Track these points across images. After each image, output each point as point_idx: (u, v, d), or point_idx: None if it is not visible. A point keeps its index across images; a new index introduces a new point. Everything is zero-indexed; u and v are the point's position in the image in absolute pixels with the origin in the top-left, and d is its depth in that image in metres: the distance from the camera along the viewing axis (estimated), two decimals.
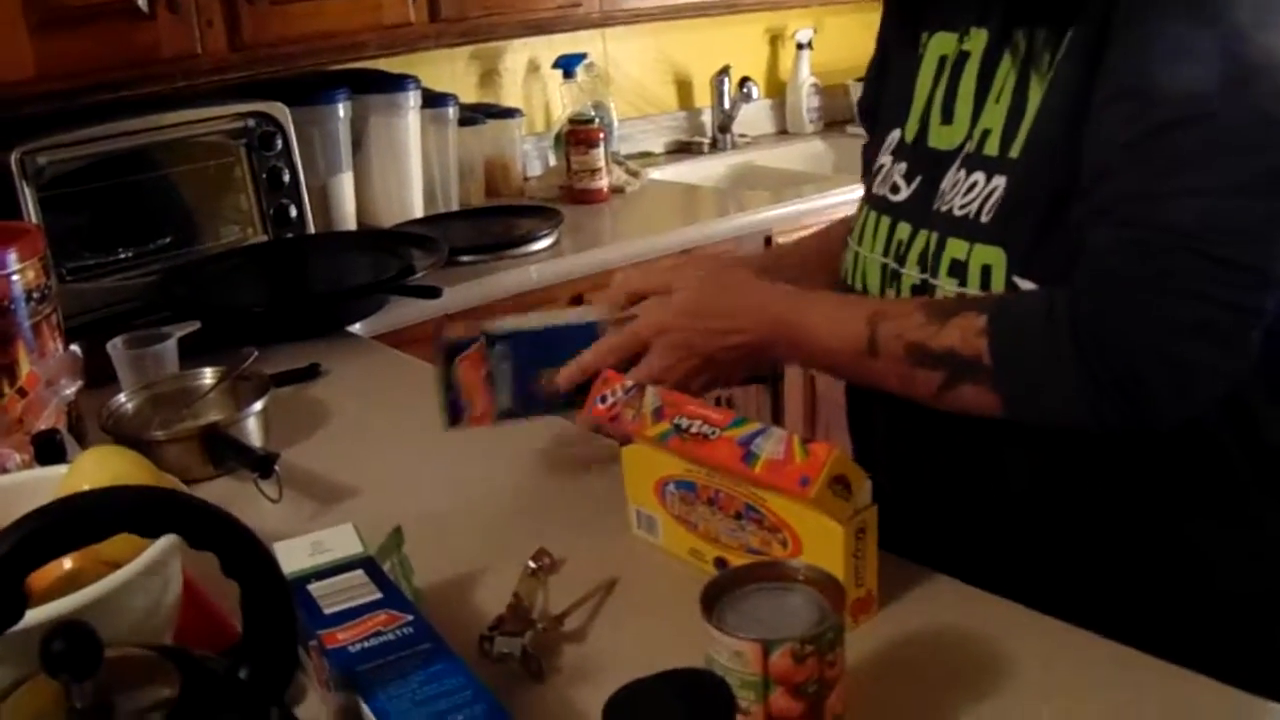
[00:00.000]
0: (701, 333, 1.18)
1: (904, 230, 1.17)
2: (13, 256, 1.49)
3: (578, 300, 2.39)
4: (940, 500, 1.18)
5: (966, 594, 1.08)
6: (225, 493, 1.35)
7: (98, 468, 1.07)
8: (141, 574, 0.92)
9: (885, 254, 1.19)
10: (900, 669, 1.00)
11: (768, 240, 2.74)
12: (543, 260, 2.46)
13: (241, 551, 0.78)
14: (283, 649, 0.81)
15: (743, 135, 3.54)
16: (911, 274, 1.14)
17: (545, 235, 2.51)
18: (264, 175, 2.37)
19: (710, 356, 1.19)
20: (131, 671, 0.78)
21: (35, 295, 1.51)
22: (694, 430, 1.06)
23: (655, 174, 3.18)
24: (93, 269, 2.19)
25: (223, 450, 1.42)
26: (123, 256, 2.27)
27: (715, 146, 3.48)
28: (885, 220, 1.20)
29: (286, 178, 2.40)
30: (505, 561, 1.15)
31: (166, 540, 0.96)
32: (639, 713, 0.68)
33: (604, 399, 1.16)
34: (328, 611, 0.96)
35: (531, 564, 1.14)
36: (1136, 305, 0.94)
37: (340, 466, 1.39)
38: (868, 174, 1.30)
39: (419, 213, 2.71)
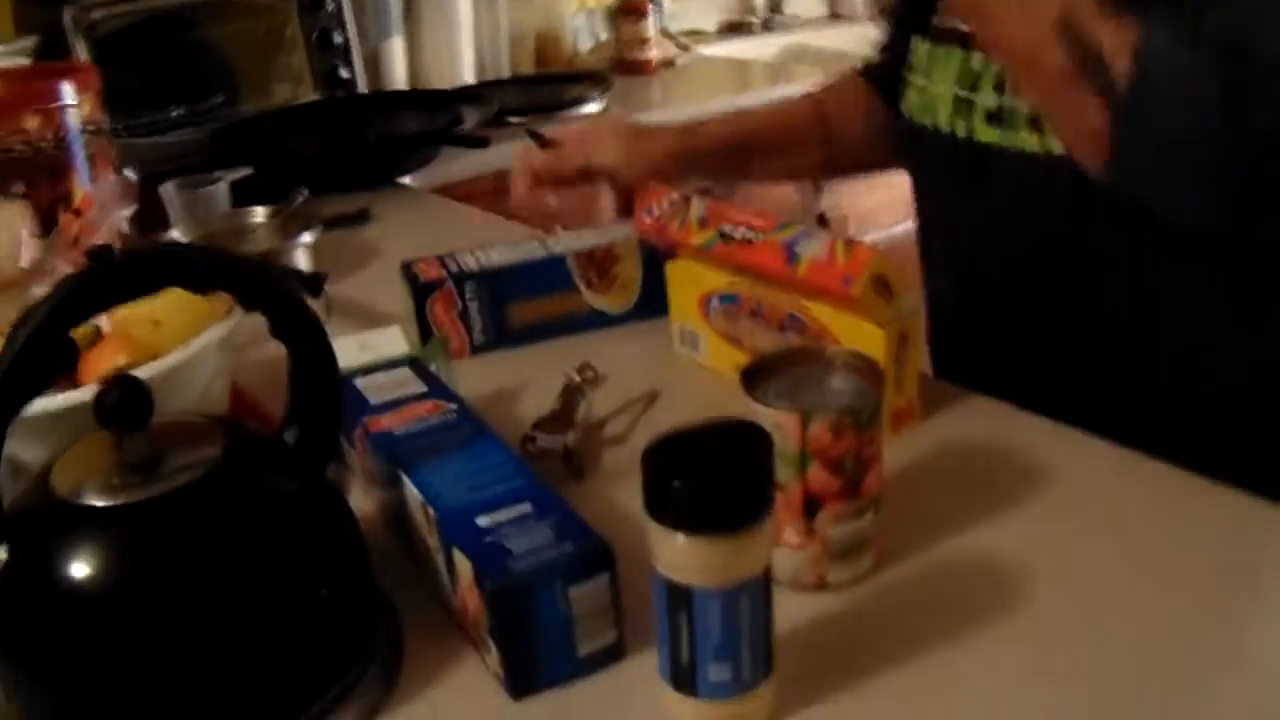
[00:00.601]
0: None
1: (978, 59, 1.15)
2: (69, 89, 1.51)
3: None
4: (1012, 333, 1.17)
5: (1016, 415, 1.08)
6: (262, 325, 1.35)
7: None
8: (192, 358, 0.95)
9: (958, 84, 1.17)
10: (937, 479, 1.01)
11: None
12: None
13: (289, 313, 0.80)
14: (328, 415, 0.83)
15: (794, 16, 3.51)
16: (986, 100, 1.13)
17: (594, 99, 2.50)
18: (315, 35, 2.38)
19: None
20: (181, 433, 0.79)
21: (90, 128, 1.53)
22: (739, 236, 1.07)
23: (705, 50, 3.17)
24: (146, 126, 2.21)
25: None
26: (175, 114, 2.29)
27: (766, 26, 3.46)
28: (956, 53, 1.18)
29: (338, 39, 2.41)
30: (548, 376, 1.16)
31: (215, 330, 0.98)
32: (677, 456, 0.69)
33: (650, 211, 1.17)
34: (374, 402, 0.98)
35: (575, 375, 1.15)
36: None
37: (388, 298, 1.40)
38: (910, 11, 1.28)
39: (470, 79, 2.72)
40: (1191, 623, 0.82)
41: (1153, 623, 0.82)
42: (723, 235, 1.08)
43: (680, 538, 0.68)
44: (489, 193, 2.16)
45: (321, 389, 0.82)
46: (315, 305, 1.31)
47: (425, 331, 1.25)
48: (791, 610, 0.83)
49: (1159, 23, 0.91)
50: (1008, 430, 1.06)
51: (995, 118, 1.13)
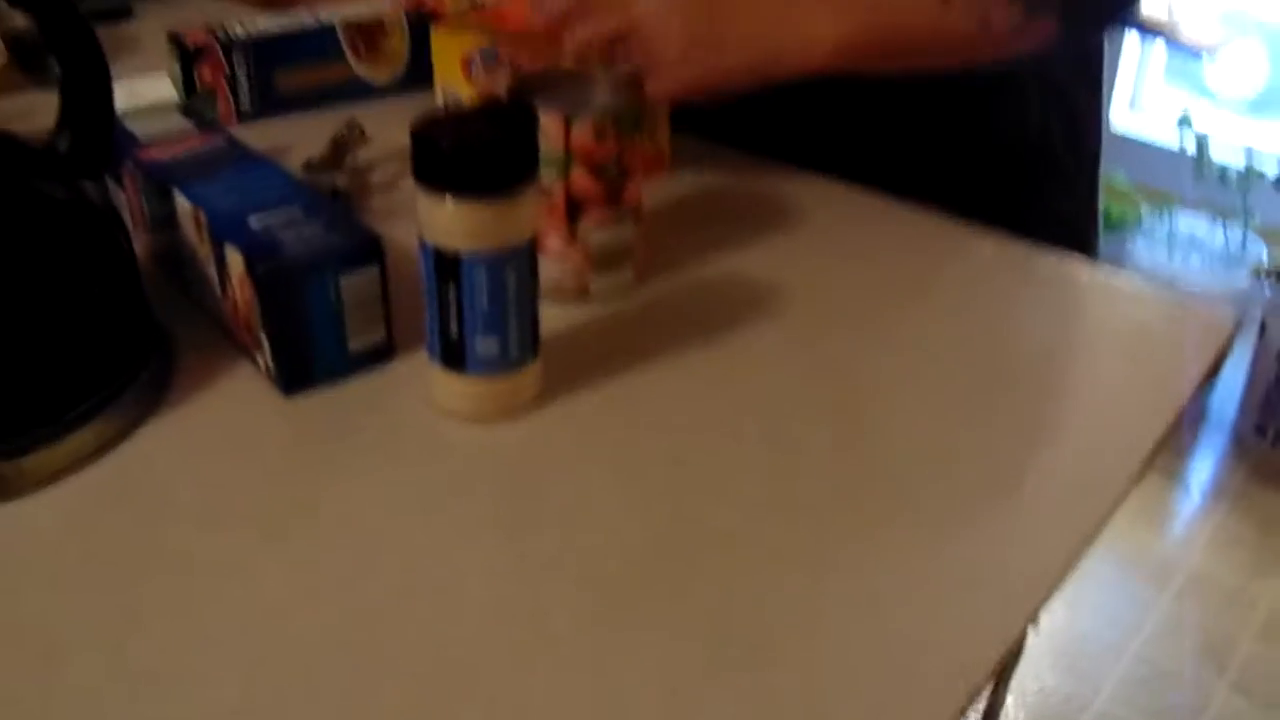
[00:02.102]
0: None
1: None
2: None
3: None
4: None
5: (760, 163, 1.15)
6: (33, 104, 1.32)
7: None
8: None
9: None
10: (690, 218, 1.07)
11: None
12: None
13: (62, 17, 0.79)
14: (99, 121, 0.83)
15: None
16: None
17: None
18: None
19: (721, 16, 0.96)
20: None
21: None
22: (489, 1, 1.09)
23: None
24: None
25: (31, 54, 1.39)
26: None
27: None
28: None
29: None
30: (317, 140, 1.16)
31: None
32: (445, 126, 0.71)
33: None
34: (142, 138, 0.98)
35: (344, 130, 1.16)
36: None
37: (152, 88, 1.37)
38: None
39: None
40: (919, 321, 0.91)
41: (887, 324, 0.91)
42: (473, 2, 1.10)
43: (448, 201, 0.71)
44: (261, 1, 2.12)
45: (93, 93, 0.82)
46: None
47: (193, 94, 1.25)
48: (555, 318, 0.88)
49: None
50: (753, 177, 1.13)
51: None
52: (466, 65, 1.18)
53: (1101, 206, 1.31)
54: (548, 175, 0.85)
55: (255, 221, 0.82)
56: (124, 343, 0.82)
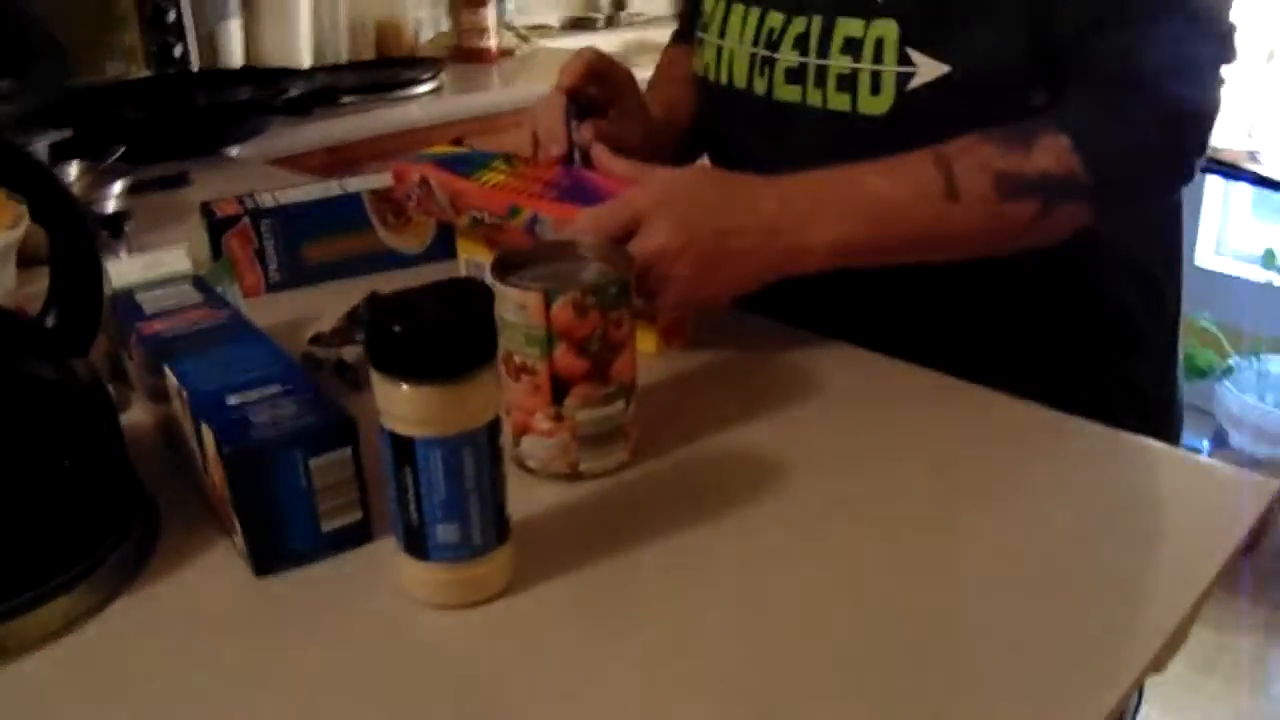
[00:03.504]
0: (713, 209, 1.00)
1: (776, 18, 1.18)
2: None
3: (458, 142, 2.41)
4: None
5: (783, 330, 1.13)
6: None
7: None
8: None
9: (755, 44, 1.20)
10: (702, 386, 1.05)
11: None
12: (424, 102, 2.47)
13: (51, 196, 0.81)
14: (88, 299, 0.84)
15: (639, 13, 3.56)
16: (788, 58, 1.16)
17: (428, 80, 2.52)
18: (149, 13, 2.36)
19: (723, 238, 0.99)
20: None
21: None
22: (488, 221, 1.10)
23: (548, 43, 3.20)
24: None
25: None
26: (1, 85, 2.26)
27: (610, 23, 3.50)
28: (754, 11, 1.21)
29: (171, 16, 2.40)
30: (340, 310, 1.17)
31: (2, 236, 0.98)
32: (400, 309, 0.70)
33: (409, 196, 1.20)
34: (149, 311, 0.98)
35: (362, 302, 1.16)
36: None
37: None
38: None
39: (307, 63, 2.71)
40: (936, 506, 0.87)
41: (900, 507, 0.86)
42: (476, 221, 1.12)
43: (403, 387, 0.70)
44: (318, 168, 2.17)
45: (81, 272, 0.83)
46: (115, 245, 1.32)
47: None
48: (543, 497, 0.86)
49: (1069, 110, 1.03)
50: (776, 344, 1.11)
51: (796, 73, 1.16)
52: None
53: (1184, 351, 1.29)
54: (531, 354, 0.84)
55: (233, 399, 0.81)
56: (103, 518, 0.82)
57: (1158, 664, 0.70)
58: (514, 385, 0.86)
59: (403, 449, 0.71)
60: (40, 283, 0.85)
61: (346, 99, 2.37)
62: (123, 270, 1.06)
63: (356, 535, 0.82)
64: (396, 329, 0.69)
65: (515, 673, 0.71)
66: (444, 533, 0.73)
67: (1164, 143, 1.03)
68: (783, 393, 1.02)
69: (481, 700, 0.70)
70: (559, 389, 0.86)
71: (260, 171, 1.96)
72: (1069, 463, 0.92)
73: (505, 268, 0.87)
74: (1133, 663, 0.70)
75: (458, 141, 2.34)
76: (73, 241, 0.82)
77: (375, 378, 0.71)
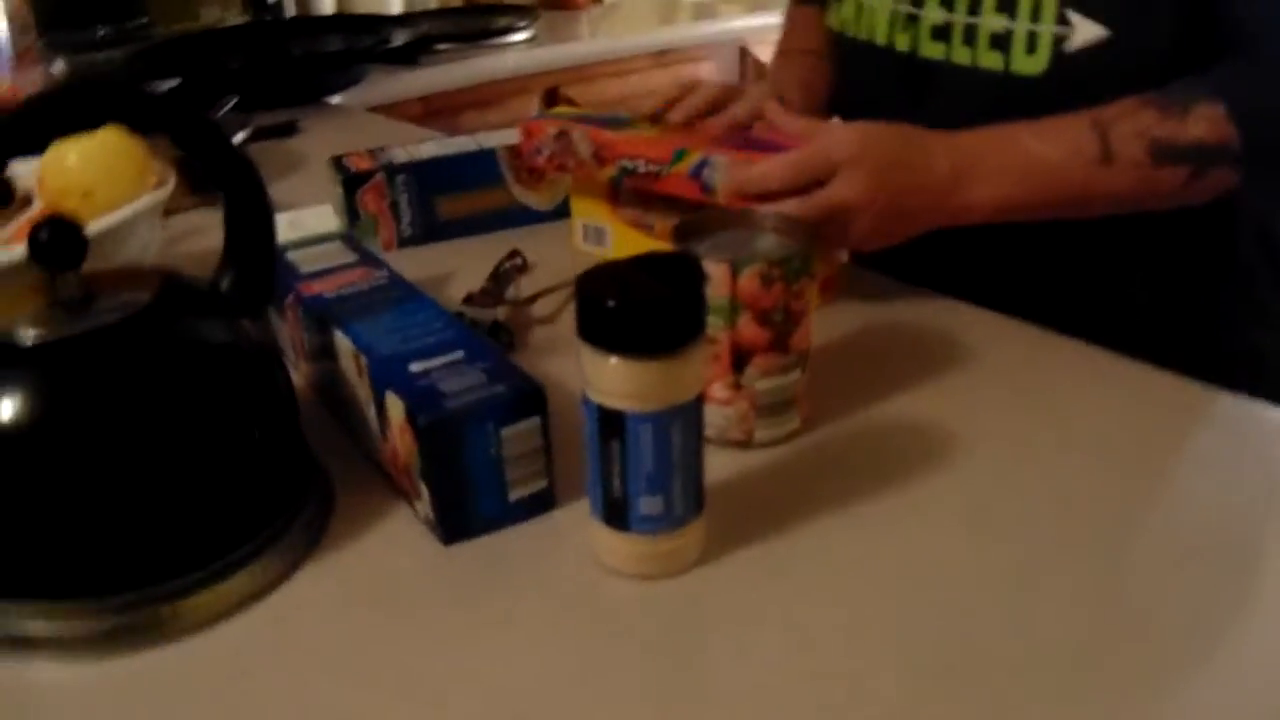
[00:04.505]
0: (901, 166, 1.00)
1: None
2: None
3: (552, 93, 2.39)
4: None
5: (935, 299, 1.12)
6: (200, 222, 1.35)
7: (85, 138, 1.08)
8: (123, 224, 0.94)
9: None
10: (860, 354, 1.03)
11: (743, 51, 2.75)
12: (519, 51, 2.45)
13: (226, 158, 0.80)
14: (262, 262, 0.83)
15: None
16: (933, 15, 1.14)
17: (522, 29, 2.50)
18: None
19: (903, 195, 1.00)
20: (116, 278, 0.79)
21: (17, 22, 1.52)
22: (642, 170, 1.08)
23: None
24: (70, 43, 2.18)
25: (201, 176, 1.42)
26: (100, 34, 2.26)
27: None
28: None
29: None
30: (477, 266, 1.17)
31: (147, 199, 0.98)
32: (611, 281, 0.69)
33: (539, 151, 1.17)
34: (305, 271, 0.98)
35: (505, 261, 1.15)
36: None
37: (316, 200, 1.39)
38: None
39: (398, 9, 2.70)
40: (1106, 481, 0.85)
41: (1071, 481, 0.85)
42: (625, 171, 1.10)
43: (613, 360, 0.68)
44: (416, 116, 2.16)
45: (256, 234, 0.82)
46: None
47: (355, 222, 1.25)
48: (719, 466, 0.85)
49: (1226, 75, 1.02)
50: (928, 312, 1.09)
51: (941, 31, 1.14)
52: (609, 191, 1.17)
53: None
54: (714, 324, 0.83)
55: (416, 366, 0.81)
56: (284, 485, 0.81)
57: None
58: None
59: (611, 422, 0.70)
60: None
61: (441, 47, 2.35)
62: None
63: (541, 503, 0.82)
64: (611, 303, 0.68)
65: (720, 645, 0.71)
66: (647, 505, 0.72)
67: None
68: (940, 362, 1.01)
69: (687, 679, 0.69)
70: (739, 359, 0.85)
71: (367, 120, 1.95)
72: (1243, 444, 0.91)
73: (684, 235, 0.86)
74: None
75: (552, 93, 2.33)
76: (248, 204, 0.81)
77: (585, 351, 0.69)
